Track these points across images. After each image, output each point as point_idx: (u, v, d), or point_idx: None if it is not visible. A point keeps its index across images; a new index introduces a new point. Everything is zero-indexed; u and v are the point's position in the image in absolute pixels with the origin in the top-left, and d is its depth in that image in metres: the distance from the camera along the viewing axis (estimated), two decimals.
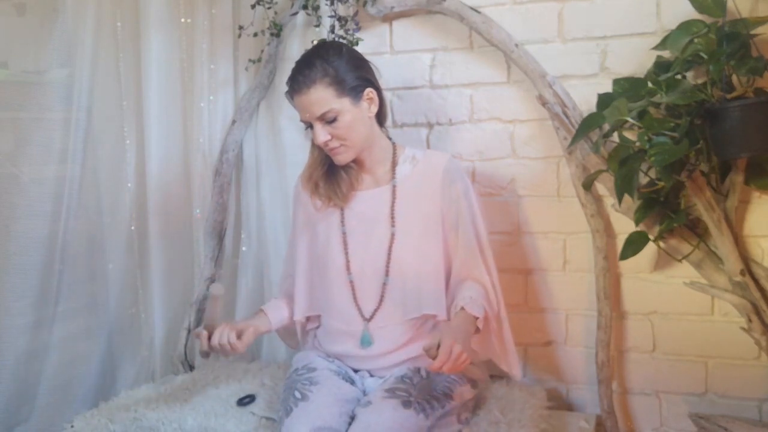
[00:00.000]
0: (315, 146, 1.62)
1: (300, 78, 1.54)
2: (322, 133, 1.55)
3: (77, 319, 2.14)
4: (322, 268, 1.68)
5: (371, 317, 1.63)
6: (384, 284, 1.62)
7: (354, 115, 1.56)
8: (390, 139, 1.71)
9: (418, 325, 1.62)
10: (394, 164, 1.67)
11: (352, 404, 1.53)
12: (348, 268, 1.65)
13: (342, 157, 1.60)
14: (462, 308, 1.48)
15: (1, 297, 1.96)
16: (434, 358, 1.33)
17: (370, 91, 1.59)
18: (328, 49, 1.58)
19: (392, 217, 1.63)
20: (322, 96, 1.53)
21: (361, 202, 1.66)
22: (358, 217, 1.66)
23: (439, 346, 1.34)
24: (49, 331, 2.06)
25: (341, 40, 1.91)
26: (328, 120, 1.54)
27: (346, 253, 1.65)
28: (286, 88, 1.61)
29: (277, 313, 1.73)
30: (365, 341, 1.62)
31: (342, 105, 1.54)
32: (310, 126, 1.58)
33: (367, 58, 1.99)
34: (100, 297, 2.19)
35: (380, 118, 1.67)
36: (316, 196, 1.67)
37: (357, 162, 1.65)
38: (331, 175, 1.66)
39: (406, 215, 1.63)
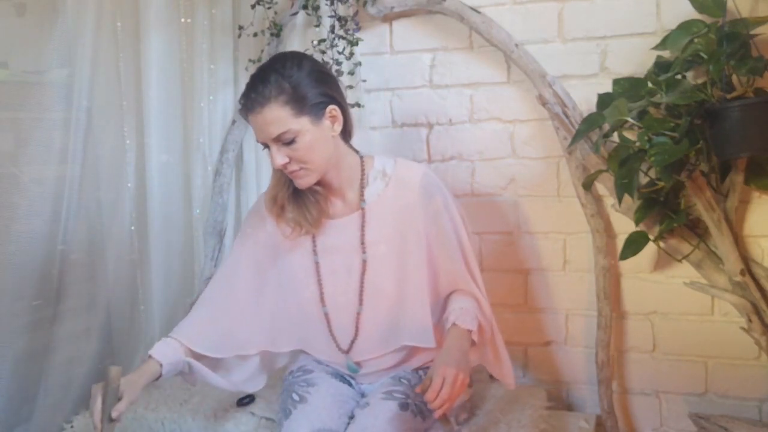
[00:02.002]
0: None
1: (253, 95, 1.39)
2: (278, 156, 1.41)
3: (77, 319, 2.14)
4: (296, 299, 1.58)
5: (348, 349, 1.56)
6: (358, 314, 1.53)
7: (314, 135, 1.41)
8: (357, 152, 1.56)
9: (407, 349, 1.56)
10: (362, 184, 1.53)
11: (350, 404, 1.53)
12: (322, 300, 1.55)
13: (303, 181, 1.45)
14: (454, 324, 1.42)
15: (1, 297, 1.96)
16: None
17: (332, 109, 1.43)
18: (286, 62, 1.42)
19: (363, 244, 1.52)
20: (277, 115, 1.37)
21: (333, 231, 1.53)
22: (331, 247, 1.54)
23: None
24: (49, 331, 2.06)
25: (340, 41, 1.91)
26: (285, 141, 1.39)
27: (320, 284, 1.55)
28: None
29: (171, 358, 1.46)
30: (351, 369, 1.58)
31: (301, 125, 1.39)
32: (267, 147, 1.44)
33: (367, 58, 2.00)
34: (100, 297, 2.19)
35: (346, 134, 1.52)
36: (283, 220, 1.53)
37: (324, 184, 1.51)
38: (297, 198, 1.51)
39: (379, 240, 1.52)
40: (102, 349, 2.19)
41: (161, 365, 1.43)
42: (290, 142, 1.40)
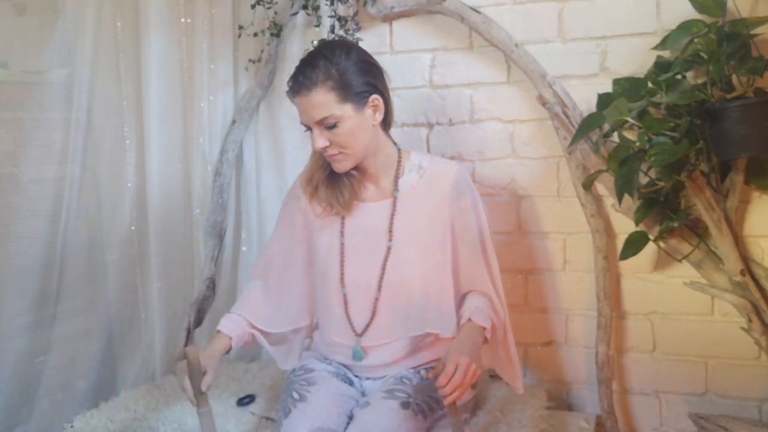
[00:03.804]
0: None
1: (301, 78, 1.45)
2: (320, 139, 1.47)
3: (77, 319, 2.15)
4: (320, 277, 1.63)
5: (363, 332, 1.58)
6: (376, 299, 1.56)
7: (356, 122, 1.47)
8: (395, 144, 1.62)
9: (417, 340, 1.58)
10: (398, 173, 1.59)
11: (350, 404, 1.53)
12: (342, 281, 1.58)
13: (341, 165, 1.52)
14: (469, 319, 1.45)
15: (1, 297, 1.96)
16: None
17: (375, 98, 1.49)
18: (335, 49, 1.48)
19: (390, 231, 1.56)
20: (322, 100, 1.43)
21: (363, 214, 1.58)
22: (358, 229, 1.58)
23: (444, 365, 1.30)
24: (49, 331, 2.06)
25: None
26: (328, 126, 1.45)
27: (342, 265, 1.58)
28: (286, 88, 1.52)
29: (238, 331, 1.57)
30: (356, 356, 1.58)
31: (344, 111, 1.45)
32: (309, 129, 1.50)
33: None
34: (100, 297, 2.19)
35: (385, 124, 1.57)
36: (316, 200, 1.60)
37: (360, 169, 1.57)
38: (332, 180, 1.57)
39: (407, 229, 1.56)
40: (102, 349, 2.19)
41: (231, 338, 1.54)
42: (332, 127, 1.46)
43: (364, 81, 1.47)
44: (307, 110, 1.46)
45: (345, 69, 1.45)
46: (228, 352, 1.54)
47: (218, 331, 1.55)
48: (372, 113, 1.50)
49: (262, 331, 1.61)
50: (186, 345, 2.11)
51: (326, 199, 1.57)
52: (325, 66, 1.44)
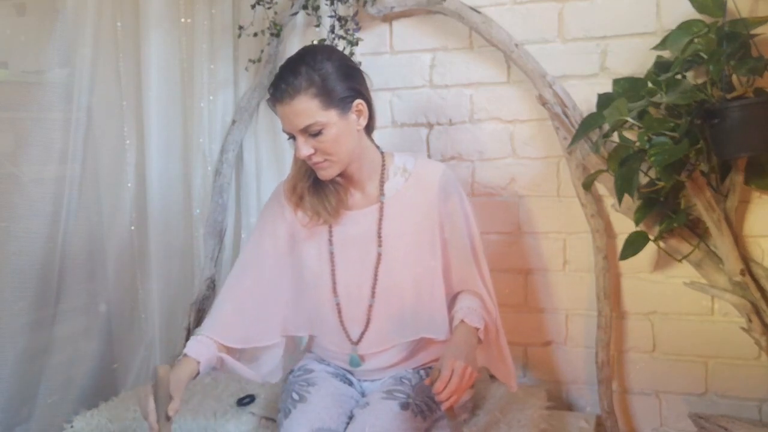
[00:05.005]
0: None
1: (283, 86, 1.40)
2: (304, 147, 1.43)
3: (77, 319, 2.15)
4: (310, 288, 1.58)
5: (358, 340, 1.56)
6: (370, 306, 1.54)
7: (340, 128, 1.43)
8: (378, 148, 1.58)
9: (413, 344, 1.57)
10: (383, 178, 1.56)
11: (350, 404, 1.52)
12: (334, 290, 1.56)
13: (326, 173, 1.48)
14: (462, 321, 1.43)
15: (1, 297, 1.96)
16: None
17: (359, 103, 1.46)
18: (316, 55, 1.44)
19: (379, 237, 1.53)
20: (306, 107, 1.40)
21: (351, 221, 1.55)
22: (347, 237, 1.55)
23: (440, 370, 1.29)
24: (49, 331, 2.06)
25: (340, 41, 1.91)
26: (312, 133, 1.41)
27: (333, 274, 1.56)
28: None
29: (207, 354, 1.47)
30: (353, 363, 1.58)
31: (328, 118, 1.41)
32: (292, 137, 1.46)
33: (367, 58, 2.00)
34: (100, 297, 2.19)
35: (368, 128, 1.53)
36: (301, 209, 1.55)
37: (345, 176, 1.53)
38: (317, 188, 1.53)
39: (396, 234, 1.53)
40: (102, 349, 2.19)
41: (198, 363, 1.44)
42: (317, 134, 1.42)
43: (348, 86, 1.44)
44: (290, 118, 1.42)
45: (327, 74, 1.41)
46: (195, 377, 1.44)
47: (185, 355, 1.45)
48: (356, 118, 1.47)
49: (233, 350, 1.53)
50: (185, 345, 2.11)
51: (312, 208, 1.53)
52: (308, 72, 1.40)
